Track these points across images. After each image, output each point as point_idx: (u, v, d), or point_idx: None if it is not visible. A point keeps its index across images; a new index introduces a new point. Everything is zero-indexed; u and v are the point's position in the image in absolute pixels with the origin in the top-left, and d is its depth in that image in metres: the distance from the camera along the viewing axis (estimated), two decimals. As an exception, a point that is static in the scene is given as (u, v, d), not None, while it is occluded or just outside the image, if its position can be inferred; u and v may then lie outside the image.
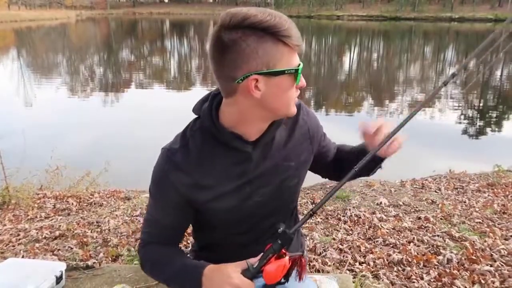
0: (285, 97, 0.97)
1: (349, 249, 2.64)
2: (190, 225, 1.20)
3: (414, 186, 4.21)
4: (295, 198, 1.25)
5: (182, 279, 1.04)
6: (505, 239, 2.76)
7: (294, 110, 1.03)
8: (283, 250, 0.90)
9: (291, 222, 1.27)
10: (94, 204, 3.76)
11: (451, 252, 2.51)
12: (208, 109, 1.04)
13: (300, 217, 1.18)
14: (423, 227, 3.01)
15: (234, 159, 1.04)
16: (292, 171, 1.13)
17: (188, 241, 2.72)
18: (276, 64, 0.91)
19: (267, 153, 1.07)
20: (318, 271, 2.33)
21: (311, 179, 1.42)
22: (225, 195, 1.06)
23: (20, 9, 68.27)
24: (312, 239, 2.81)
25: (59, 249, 2.71)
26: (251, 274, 0.91)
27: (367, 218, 3.18)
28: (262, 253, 0.92)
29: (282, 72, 0.92)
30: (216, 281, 0.94)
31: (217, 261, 1.21)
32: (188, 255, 1.27)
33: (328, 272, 2.31)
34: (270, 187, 1.10)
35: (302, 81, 0.98)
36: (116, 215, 3.38)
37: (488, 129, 8.21)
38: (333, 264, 2.45)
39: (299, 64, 0.95)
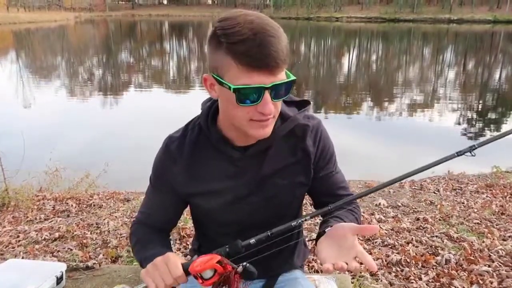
0: (232, 111, 0.92)
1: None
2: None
3: (413, 187, 4.22)
4: (289, 215, 1.17)
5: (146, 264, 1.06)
6: (503, 240, 2.77)
7: (252, 130, 0.93)
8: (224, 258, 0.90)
9: (290, 236, 1.21)
10: (94, 205, 3.76)
11: (450, 253, 2.52)
12: (208, 108, 1.07)
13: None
14: (421, 228, 3.02)
15: (222, 161, 1.05)
16: (283, 189, 1.09)
17: (188, 242, 2.73)
18: (224, 75, 0.88)
19: (257, 164, 1.06)
20: (317, 272, 2.34)
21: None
22: (210, 193, 1.08)
23: (19, 11, 68.25)
24: (311, 240, 2.81)
25: (58, 251, 2.72)
26: (187, 265, 0.91)
27: (366, 219, 3.19)
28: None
29: (221, 82, 0.89)
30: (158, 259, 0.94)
31: None
32: (188, 256, 1.29)
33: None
34: (257, 198, 1.08)
35: (261, 106, 0.87)
36: (116, 216, 3.38)
37: (486, 131, 8.23)
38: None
39: (250, 87, 0.84)
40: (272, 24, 0.87)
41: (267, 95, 0.87)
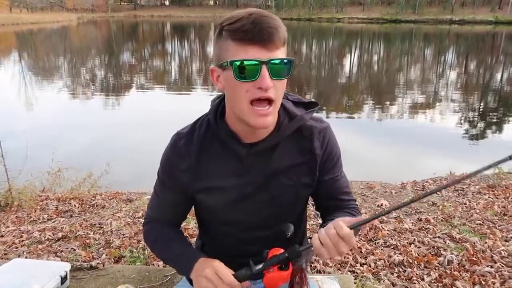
0: (233, 93, 0.95)
1: (350, 250, 2.66)
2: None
3: (415, 188, 4.22)
4: (293, 217, 1.18)
5: (177, 264, 1.14)
6: (506, 241, 2.77)
7: (252, 118, 0.94)
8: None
9: (294, 238, 1.22)
10: (96, 206, 3.77)
11: (452, 253, 2.52)
12: (217, 104, 1.08)
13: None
14: (423, 228, 3.02)
15: (228, 158, 1.06)
16: (288, 189, 1.09)
17: (191, 243, 2.73)
18: (224, 57, 0.93)
19: (263, 162, 1.06)
20: (319, 272, 2.34)
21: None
22: (215, 190, 1.08)
23: (22, 12, 68.42)
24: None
25: (62, 251, 2.73)
26: (250, 275, 0.94)
27: (368, 219, 3.18)
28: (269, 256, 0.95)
29: (222, 65, 0.93)
30: (201, 270, 1.01)
31: (219, 258, 1.23)
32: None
33: (329, 273, 2.32)
34: (262, 196, 1.08)
35: (259, 82, 0.90)
36: (118, 216, 3.39)
37: (488, 132, 8.22)
38: (334, 265, 2.47)
39: (245, 60, 0.89)
40: (269, 13, 0.93)
41: (264, 70, 0.90)
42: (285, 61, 0.93)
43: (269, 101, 0.94)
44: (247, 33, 0.88)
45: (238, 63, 0.89)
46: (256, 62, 0.89)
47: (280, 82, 0.94)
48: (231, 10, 1.04)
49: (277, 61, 0.91)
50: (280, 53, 0.92)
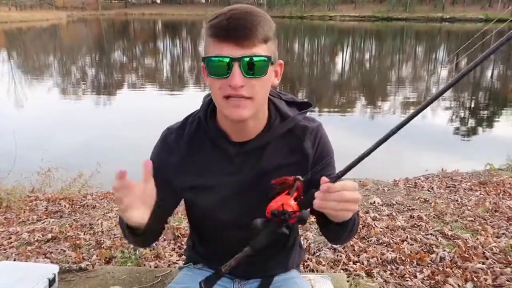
0: (211, 86, 0.94)
1: (343, 248, 2.65)
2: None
3: (407, 185, 4.23)
4: None
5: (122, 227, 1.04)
6: (497, 237, 2.78)
7: (227, 110, 0.92)
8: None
9: (288, 243, 1.21)
10: (87, 206, 3.73)
11: (444, 250, 2.53)
12: (208, 101, 1.06)
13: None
14: (416, 225, 3.03)
15: (219, 157, 1.05)
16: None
17: (183, 242, 2.71)
18: (205, 53, 0.93)
19: (253, 161, 1.05)
20: (312, 271, 2.33)
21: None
22: (205, 189, 1.07)
23: (10, 10, 67.56)
24: (306, 239, 2.81)
25: (51, 252, 2.68)
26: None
27: (361, 217, 3.19)
28: None
29: (202, 59, 0.93)
30: None
31: (210, 258, 1.21)
32: (183, 255, 1.27)
33: (322, 271, 2.31)
34: (252, 196, 1.05)
35: (230, 79, 0.87)
36: (109, 217, 3.35)
37: (479, 129, 8.29)
38: (327, 263, 2.46)
39: (217, 57, 0.88)
40: (253, 7, 0.91)
41: (236, 67, 0.87)
42: (259, 58, 0.88)
43: (244, 98, 0.91)
44: (221, 30, 0.87)
45: (209, 59, 0.89)
46: (227, 59, 0.87)
47: (257, 80, 0.90)
48: (222, 7, 1.01)
49: (248, 58, 0.87)
50: (260, 51, 0.88)
